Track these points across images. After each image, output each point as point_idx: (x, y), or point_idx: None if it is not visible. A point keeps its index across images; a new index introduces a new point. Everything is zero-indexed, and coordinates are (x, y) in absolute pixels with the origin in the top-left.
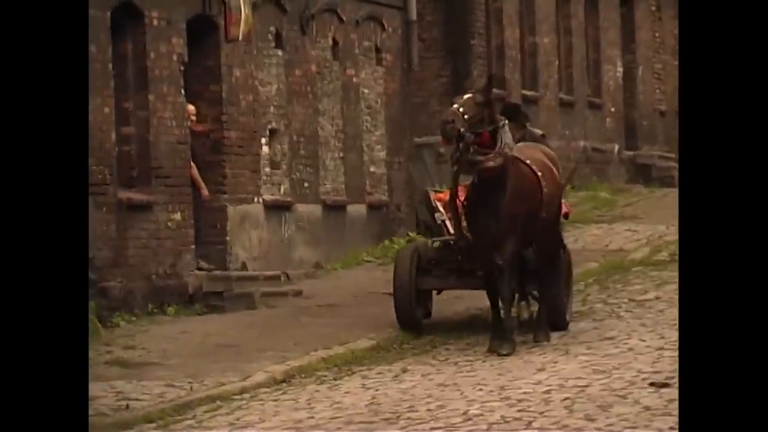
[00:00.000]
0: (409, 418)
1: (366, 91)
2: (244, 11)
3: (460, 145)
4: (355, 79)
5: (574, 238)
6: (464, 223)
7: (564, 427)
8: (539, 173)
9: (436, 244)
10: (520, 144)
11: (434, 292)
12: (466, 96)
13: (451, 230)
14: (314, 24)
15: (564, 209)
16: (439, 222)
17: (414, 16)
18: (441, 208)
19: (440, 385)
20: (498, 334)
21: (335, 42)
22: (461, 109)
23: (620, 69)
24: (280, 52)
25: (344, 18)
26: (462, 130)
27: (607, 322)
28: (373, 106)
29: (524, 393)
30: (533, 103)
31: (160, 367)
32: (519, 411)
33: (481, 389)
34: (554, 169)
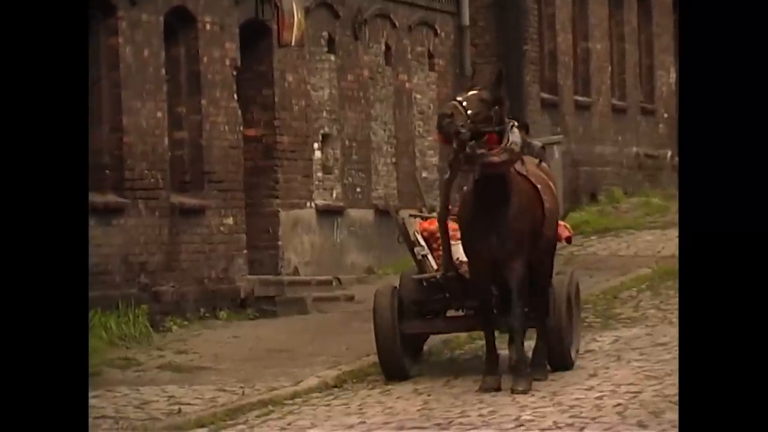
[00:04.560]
0: (460, 423)
1: (418, 96)
2: (297, 16)
3: (455, 144)
4: (407, 85)
5: (626, 243)
6: (455, 249)
7: None
8: (538, 186)
9: (417, 280)
10: None
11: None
12: (471, 92)
13: (434, 265)
14: (367, 29)
15: (566, 233)
16: (419, 257)
17: (467, 21)
18: (422, 241)
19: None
20: (489, 371)
21: (388, 47)
22: (464, 104)
23: (673, 75)
24: (332, 57)
25: (397, 23)
26: (461, 125)
27: (659, 327)
28: (425, 111)
29: (576, 399)
30: (586, 108)
31: (212, 371)
32: (571, 417)
33: (532, 395)
34: (552, 186)
